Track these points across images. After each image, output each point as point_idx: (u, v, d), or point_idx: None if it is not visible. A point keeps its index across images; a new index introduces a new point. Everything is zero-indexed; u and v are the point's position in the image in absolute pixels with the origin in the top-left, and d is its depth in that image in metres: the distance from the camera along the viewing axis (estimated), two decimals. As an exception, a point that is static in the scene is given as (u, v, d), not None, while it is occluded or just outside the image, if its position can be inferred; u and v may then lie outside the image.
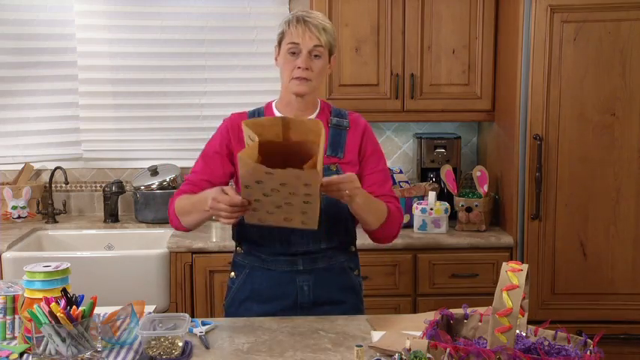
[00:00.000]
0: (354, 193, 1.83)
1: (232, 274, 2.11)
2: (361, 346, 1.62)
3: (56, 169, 3.42)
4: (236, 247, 2.12)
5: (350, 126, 2.06)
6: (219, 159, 2.04)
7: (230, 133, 2.04)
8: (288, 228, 1.82)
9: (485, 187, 3.18)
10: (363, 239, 2.17)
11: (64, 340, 1.63)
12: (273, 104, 2.09)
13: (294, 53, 1.96)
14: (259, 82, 3.56)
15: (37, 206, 3.45)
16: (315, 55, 1.96)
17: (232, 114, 2.10)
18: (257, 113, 2.07)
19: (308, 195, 1.70)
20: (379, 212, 1.99)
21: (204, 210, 1.87)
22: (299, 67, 1.95)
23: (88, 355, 1.68)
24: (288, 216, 1.76)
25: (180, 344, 1.71)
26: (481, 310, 1.66)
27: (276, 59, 2.05)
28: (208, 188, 1.93)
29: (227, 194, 1.77)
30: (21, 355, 1.72)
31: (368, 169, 2.06)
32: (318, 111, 2.07)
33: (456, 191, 3.22)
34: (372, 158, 2.07)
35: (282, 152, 1.76)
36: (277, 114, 2.05)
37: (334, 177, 1.80)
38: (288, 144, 1.77)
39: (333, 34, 2.00)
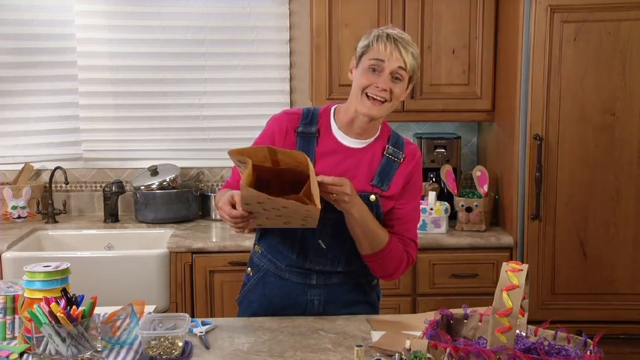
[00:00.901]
0: (342, 198, 1.76)
1: (249, 269, 2.10)
2: (361, 346, 1.62)
3: (56, 169, 3.42)
4: (254, 245, 2.09)
5: (404, 160, 1.95)
6: None
7: (277, 136, 1.94)
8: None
9: (485, 187, 3.18)
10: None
11: (64, 340, 1.63)
12: (332, 112, 1.97)
13: (374, 70, 1.84)
14: (259, 82, 3.56)
15: (37, 206, 3.45)
16: (397, 78, 1.84)
17: (284, 112, 2.00)
18: (311, 117, 1.95)
19: (308, 213, 1.69)
20: (375, 238, 1.89)
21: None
22: (377, 86, 1.83)
23: (88, 355, 1.68)
24: (287, 220, 1.75)
25: (180, 344, 1.71)
26: (481, 310, 1.66)
27: (351, 71, 1.92)
28: None
29: (231, 205, 1.75)
30: (21, 355, 1.73)
31: (400, 202, 1.96)
32: (376, 136, 1.96)
33: (456, 191, 3.22)
34: (408, 192, 1.97)
35: (274, 174, 1.76)
36: (334, 128, 1.94)
37: (326, 178, 1.74)
38: (278, 169, 1.75)
39: (418, 62, 1.88)
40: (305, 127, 1.94)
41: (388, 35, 1.84)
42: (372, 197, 1.91)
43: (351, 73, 1.93)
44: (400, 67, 1.83)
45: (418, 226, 2.08)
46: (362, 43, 1.89)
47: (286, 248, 1.97)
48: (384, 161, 1.94)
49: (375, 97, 1.84)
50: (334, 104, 2.01)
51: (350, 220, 1.85)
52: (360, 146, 1.94)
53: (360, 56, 1.88)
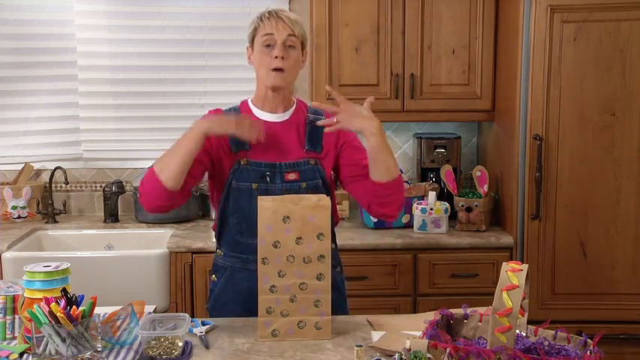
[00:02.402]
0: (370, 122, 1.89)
1: (213, 276, 2.14)
2: (361, 346, 1.62)
3: (56, 169, 3.42)
4: (217, 250, 2.14)
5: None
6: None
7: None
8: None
9: (485, 187, 3.18)
10: (365, 239, 2.18)
11: (64, 340, 1.63)
12: (250, 101, 2.12)
13: (268, 45, 1.99)
14: (259, 82, 3.56)
15: (37, 206, 3.45)
16: (290, 46, 2.00)
17: (209, 111, 2.11)
18: (232, 109, 2.11)
19: (321, 257, 1.80)
20: (393, 165, 1.98)
21: (191, 139, 1.90)
22: (276, 57, 1.97)
23: (88, 355, 1.68)
24: (302, 318, 1.83)
25: (180, 344, 1.71)
26: (481, 310, 1.66)
27: (249, 58, 2.08)
28: None
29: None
30: (21, 355, 1.73)
31: (359, 154, 2.07)
32: (294, 108, 2.11)
33: (456, 191, 3.22)
34: (357, 146, 2.10)
35: None
36: (254, 110, 2.08)
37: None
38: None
39: (304, 29, 2.04)
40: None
41: (270, 12, 2.01)
42: (312, 161, 2.04)
43: (250, 59, 2.09)
44: (289, 35, 1.99)
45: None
46: (249, 29, 2.05)
47: (245, 237, 2.03)
48: (308, 128, 2.08)
49: (276, 67, 1.98)
50: (248, 98, 2.14)
51: (374, 144, 1.92)
52: (283, 119, 2.09)
53: (252, 39, 2.05)
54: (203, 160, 2.01)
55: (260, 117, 2.07)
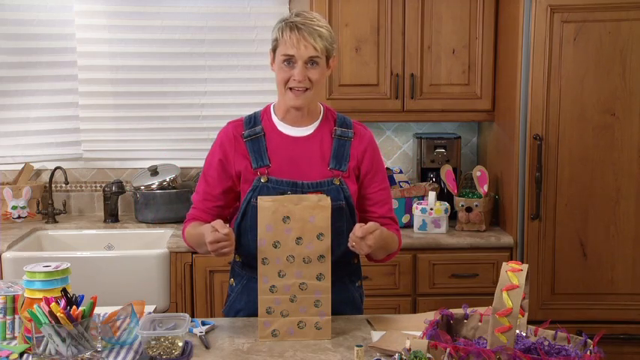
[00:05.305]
0: (363, 250, 1.83)
1: (231, 280, 2.10)
2: (361, 346, 1.62)
3: (56, 169, 3.42)
4: (234, 255, 2.08)
5: (354, 137, 1.99)
6: (217, 175, 1.99)
7: (227, 145, 1.99)
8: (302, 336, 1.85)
9: (485, 187, 3.18)
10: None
11: (64, 340, 1.63)
12: (272, 109, 2.01)
13: (289, 62, 1.87)
14: (259, 82, 3.56)
15: (37, 206, 3.45)
16: (312, 63, 1.88)
17: (229, 122, 2.04)
18: (253, 119, 2.00)
19: (321, 257, 1.81)
20: (391, 245, 2.01)
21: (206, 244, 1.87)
22: (294, 79, 1.87)
23: (88, 355, 1.68)
24: (302, 318, 1.83)
25: (180, 344, 1.71)
26: (481, 310, 1.66)
27: (271, 64, 1.96)
28: (215, 211, 1.99)
29: (218, 230, 1.78)
30: (21, 355, 1.73)
31: (373, 186, 2.01)
32: (320, 119, 2.00)
33: (456, 191, 3.22)
34: (377, 176, 2.02)
35: None
36: (276, 121, 1.99)
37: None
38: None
39: (330, 38, 1.90)
40: (250, 130, 1.98)
41: (292, 26, 1.86)
42: (337, 181, 1.94)
43: (272, 66, 1.96)
44: (311, 57, 1.87)
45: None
46: (272, 36, 1.92)
47: None
48: (335, 143, 1.97)
49: (295, 88, 1.88)
50: (272, 103, 2.05)
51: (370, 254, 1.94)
52: (307, 134, 1.98)
53: (274, 50, 1.92)
54: (231, 188, 2.00)
55: (282, 130, 1.97)
